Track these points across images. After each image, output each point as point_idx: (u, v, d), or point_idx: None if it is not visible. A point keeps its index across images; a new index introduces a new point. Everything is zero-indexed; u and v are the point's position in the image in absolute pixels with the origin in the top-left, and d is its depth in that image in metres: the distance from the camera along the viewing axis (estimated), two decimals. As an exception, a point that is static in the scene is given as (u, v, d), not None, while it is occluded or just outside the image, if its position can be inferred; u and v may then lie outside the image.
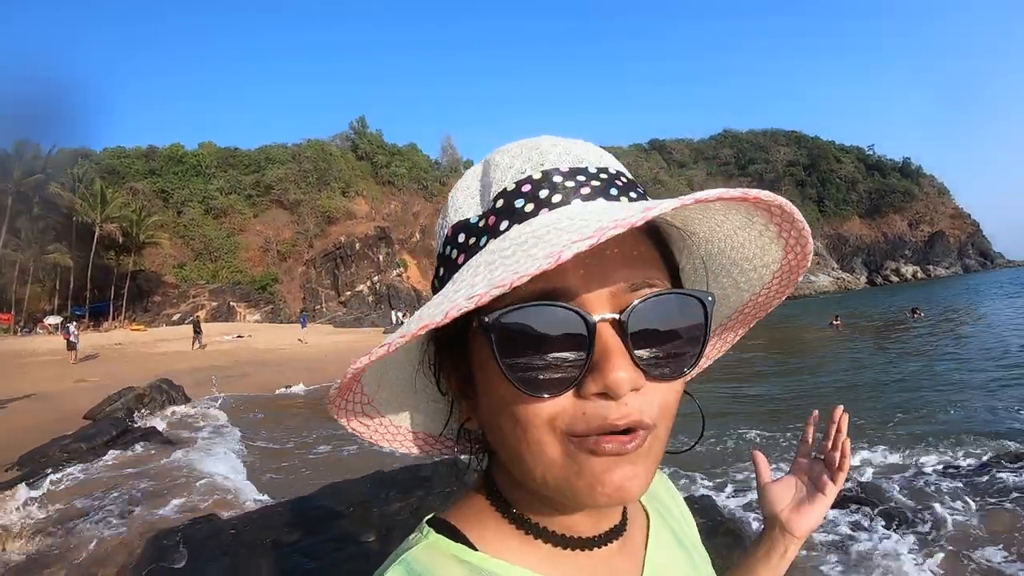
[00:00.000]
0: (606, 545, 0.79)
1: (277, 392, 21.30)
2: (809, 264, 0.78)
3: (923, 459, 9.64)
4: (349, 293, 74.76)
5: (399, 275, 79.90)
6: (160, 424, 13.26)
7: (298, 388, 21.90)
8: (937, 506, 7.00)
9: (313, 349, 37.29)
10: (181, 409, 15.80)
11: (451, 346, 0.75)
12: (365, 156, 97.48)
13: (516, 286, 0.56)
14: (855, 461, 9.11)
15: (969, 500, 7.15)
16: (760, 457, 1.26)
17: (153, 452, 10.02)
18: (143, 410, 14.79)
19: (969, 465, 8.65)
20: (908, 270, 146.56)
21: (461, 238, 0.74)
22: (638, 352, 0.64)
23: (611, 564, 0.79)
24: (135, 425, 12.58)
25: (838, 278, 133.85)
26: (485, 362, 0.68)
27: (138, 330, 50.15)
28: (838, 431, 1.18)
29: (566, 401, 0.64)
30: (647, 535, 0.88)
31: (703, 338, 0.70)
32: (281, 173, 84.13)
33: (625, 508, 0.85)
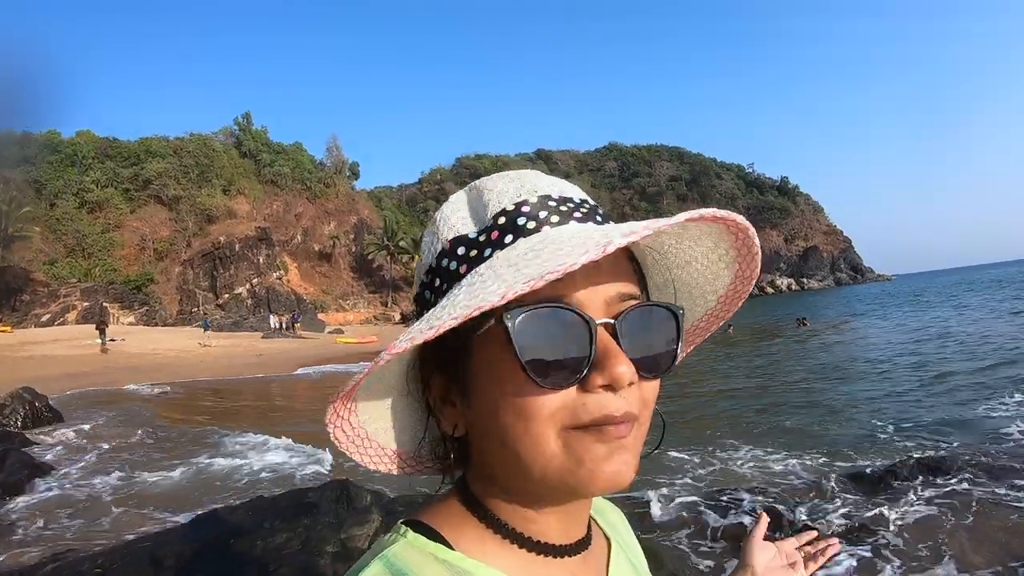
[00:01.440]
0: (574, 555, 0.84)
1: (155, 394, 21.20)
2: (750, 289, 0.91)
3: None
4: (228, 295, 73.82)
5: (279, 278, 79.30)
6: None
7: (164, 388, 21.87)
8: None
9: (198, 353, 37.14)
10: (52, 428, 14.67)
11: (443, 351, 0.79)
12: (249, 153, 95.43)
13: (552, 279, 0.62)
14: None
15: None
16: (764, 516, 1.51)
17: (14, 476, 9.54)
18: (8, 422, 14.03)
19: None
20: (783, 282, 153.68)
21: (461, 251, 0.80)
22: (629, 353, 0.72)
23: (577, 575, 0.85)
24: None
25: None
26: (492, 360, 0.73)
27: (4, 331, 47.85)
28: (823, 556, 1.46)
29: (568, 395, 0.70)
30: (608, 558, 0.96)
31: (677, 344, 0.79)
32: (161, 167, 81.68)
33: (590, 526, 0.92)
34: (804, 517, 7.39)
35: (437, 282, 0.82)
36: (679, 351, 0.80)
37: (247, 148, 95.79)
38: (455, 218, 0.84)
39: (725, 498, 8.08)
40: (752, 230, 0.79)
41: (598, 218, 0.82)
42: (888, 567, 6.20)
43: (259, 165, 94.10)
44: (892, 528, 6.96)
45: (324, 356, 39.99)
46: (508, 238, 0.77)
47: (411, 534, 0.78)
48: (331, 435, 0.83)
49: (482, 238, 0.79)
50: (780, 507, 7.60)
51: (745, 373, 24.06)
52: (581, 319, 0.70)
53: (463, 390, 0.79)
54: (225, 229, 78.35)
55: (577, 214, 0.79)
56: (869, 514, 7.31)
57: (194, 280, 74.57)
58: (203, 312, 68.31)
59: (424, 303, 0.83)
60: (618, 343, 0.71)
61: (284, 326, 57.89)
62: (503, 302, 0.64)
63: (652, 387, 0.77)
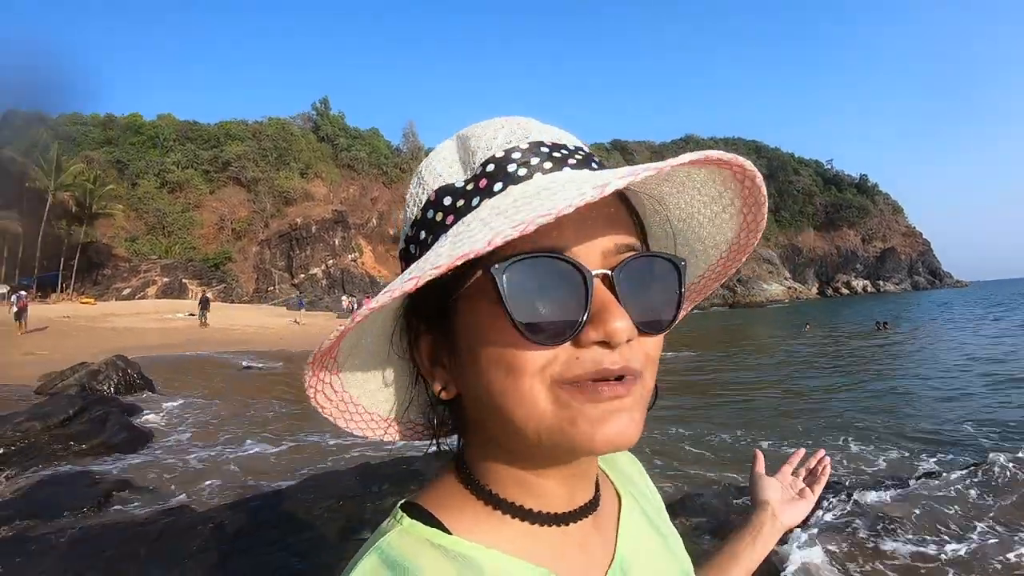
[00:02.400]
0: (579, 520, 0.81)
1: (243, 367, 21.19)
2: (757, 240, 0.85)
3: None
4: (303, 276, 74.69)
5: (354, 260, 79.91)
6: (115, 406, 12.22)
7: (259, 364, 21.59)
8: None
9: (276, 330, 37.20)
10: (144, 395, 15.04)
11: (430, 309, 0.76)
12: (326, 138, 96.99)
13: (542, 223, 0.59)
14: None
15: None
16: (759, 453, 1.55)
17: (117, 437, 9.58)
18: (103, 388, 14.29)
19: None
20: (859, 284, 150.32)
21: (447, 201, 0.76)
22: (627, 306, 0.68)
23: (585, 540, 0.82)
24: (93, 404, 11.51)
25: (790, 287, 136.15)
26: (480, 315, 0.70)
27: (87, 303, 49.30)
28: (822, 465, 1.52)
29: (562, 350, 0.67)
30: (619, 514, 0.93)
31: (679, 297, 0.76)
32: (240, 150, 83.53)
33: (598, 485, 0.88)
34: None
35: (422, 235, 0.78)
36: (681, 305, 0.77)
37: (324, 133, 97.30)
38: (441, 167, 0.80)
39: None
40: (759, 178, 0.76)
41: (593, 165, 0.77)
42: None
43: (336, 149, 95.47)
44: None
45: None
46: (497, 186, 0.73)
47: (407, 520, 0.76)
48: (311, 399, 0.81)
49: (469, 187, 0.75)
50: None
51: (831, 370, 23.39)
52: (576, 270, 0.67)
53: (452, 348, 0.76)
54: (302, 211, 79.27)
55: (572, 160, 0.75)
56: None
57: (270, 260, 75.49)
58: (278, 291, 69.11)
59: (408, 258, 0.80)
60: (615, 296, 0.69)
61: (356, 307, 58.02)
62: (489, 248, 0.60)
63: (655, 342, 0.74)
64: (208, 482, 7.90)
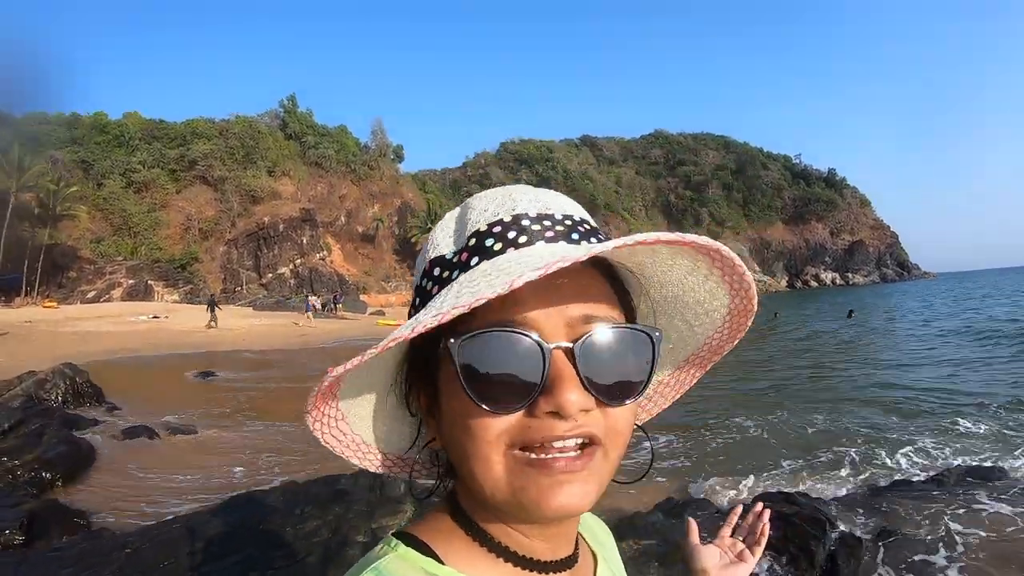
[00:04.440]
0: (561, 572, 0.85)
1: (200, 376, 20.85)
2: (755, 309, 0.86)
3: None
4: (271, 275, 74.03)
5: (323, 258, 79.35)
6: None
7: (224, 374, 21.27)
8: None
9: (242, 334, 37.02)
10: (90, 405, 14.51)
11: (423, 366, 0.82)
12: (294, 135, 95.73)
13: (476, 309, 0.65)
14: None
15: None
16: (692, 522, 1.54)
17: (53, 452, 9.11)
18: (49, 398, 13.66)
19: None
20: (828, 276, 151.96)
21: (436, 272, 0.82)
22: (589, 378, 0.71)
23: None
24: (33, 416, 11.25)
25: (760, 280, 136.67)
26: (449, 381, 0.74)
27: (50, 307, 48.83)
28: (761, 523, 1.51)
29: (516, 419, 0.70)
30: (594, 573, 0.97)
31: (650, 369, 0.77)
32: (207, 148, 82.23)
33: (577, 543, 0.92)
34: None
35: (417, 301, 0.85)
36: (651, 376, 0.79)
37: (292, 130, 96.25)
38: (441, 237, 0.86)
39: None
40: (723, 250, 0.76)
41: (574, 235, 0.80)
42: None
43: (304, 147, 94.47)
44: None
45: (366, 336, 39.51)
46: (474, 260, 0.78)
47: (402, 547, 0.79)
48: (320, 440, 0.86)
49: (455, 259, 0.81)
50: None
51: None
52: (533, 343, 0.70)
53: (438, 404, 0.81)
54: (270, 210, 78.59)
55: (549, 233, 0.79)
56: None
57: (238, 259, 74.82)
58: (246, 291, 68.53)
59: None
60: (575, 369, 0.71)
61: (323, 306, 57.51)
62: (412, 335, 0.67)
63: (621, 413, 0.76)
64: (135, 503, 7.84)
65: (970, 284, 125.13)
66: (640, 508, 6.84)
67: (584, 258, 0.65)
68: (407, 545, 0.79)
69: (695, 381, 1.01)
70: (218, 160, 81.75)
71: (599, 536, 1.09)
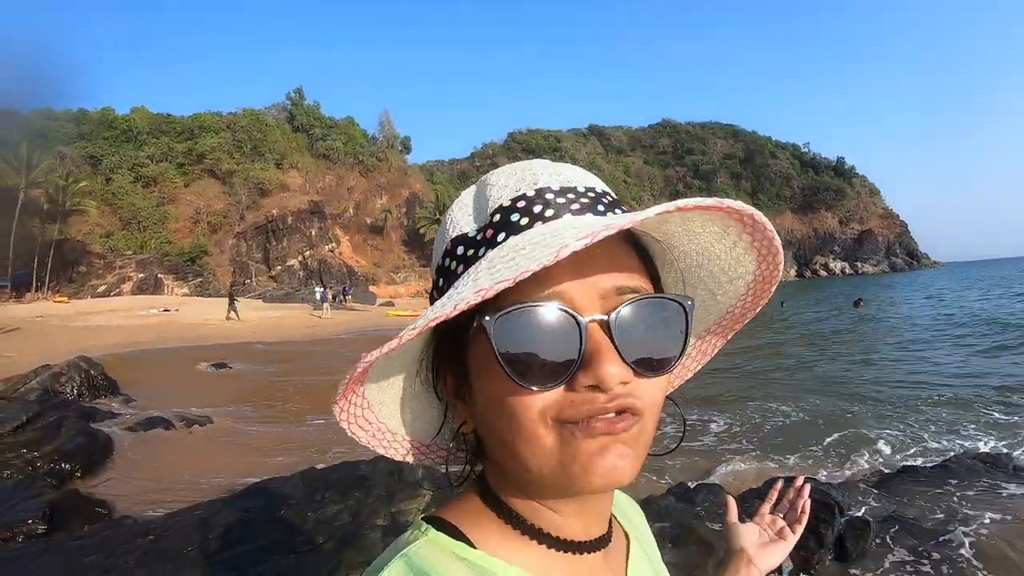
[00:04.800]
0: (595, 552, 0.84)
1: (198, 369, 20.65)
2: (780, 274, 0.85)
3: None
4: (280, 268, 74.34)
5: (331, 250, 79.55)
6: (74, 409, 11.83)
7: (237, 365, 21.13)
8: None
9: (252, 326, 37.14)
10: (106, 397, 14.57)
11: (451, 348, 0.80)
12: (301, 128, 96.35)
13: (517, 283, 0.63)
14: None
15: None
16: (731, 499, 1.52)
17: (71, 443, 9.12)
18: (65, 391, 13.75)
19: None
20: (837, 265, 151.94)
21: (460, 251, 0.80)
22: (625, 350, 0.69)
23: (597, 571, 0.85)
24: (50, 409, 11.16)
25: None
26: (484, 361, 0.73)
27: (61, 302, 48.64)
28: (802, 498, 1.47)
29: (557, 394, 0.69)
30: (627, 554, 0.96)
31: (684, 339, 0.76)
32: (215, 142, 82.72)
33: (610, 523, 0.91)
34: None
35: (440, 281, 0.83)
36: (687, 346, 0.77)
37: (299, 123, 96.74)
38: (460, 215, 0.84)
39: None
40: (757, 214, 0.75)
41: (600, 207, 0.78)
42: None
43: (311, 139, 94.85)
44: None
45: (376, 328, 39.65)
46: (500, 236, 0.76)
47: (432, 532, 0.78)
48: (347, 430, 0.84)
49: (479, 236, 0.79)
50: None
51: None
52: (569, 317, 0.69)
53: (469, 386, 0.79)
54: (278, 202, 78.82)
55: (575, 205, 0.77)
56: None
57: (247, 252, 75.06)
58: (255, 284, 68.73)
59: (433, 301, 0.81)
60: (612, 341, 0.70)
61: (334, 297, 57.61)
62: (455, 313, 0.64)
63: (657, 384, 0.75)
64: (155, 493, 7.83)
65: (979, 273, 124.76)
66: (653, 492, 6.90)
67: (628, 225, 0.64)
68: (438, 529, 0.78)
69: (716, 351, 1.01)
70: (226, 153, 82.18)
71: (631, 517, 1.08)
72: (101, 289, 60.63)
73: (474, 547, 0.77)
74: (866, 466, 9.37)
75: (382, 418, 0.88)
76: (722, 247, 0.83)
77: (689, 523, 5.52)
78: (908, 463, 8.99)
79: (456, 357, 0.80)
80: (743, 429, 11.82)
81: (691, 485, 7.28)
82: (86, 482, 8.22)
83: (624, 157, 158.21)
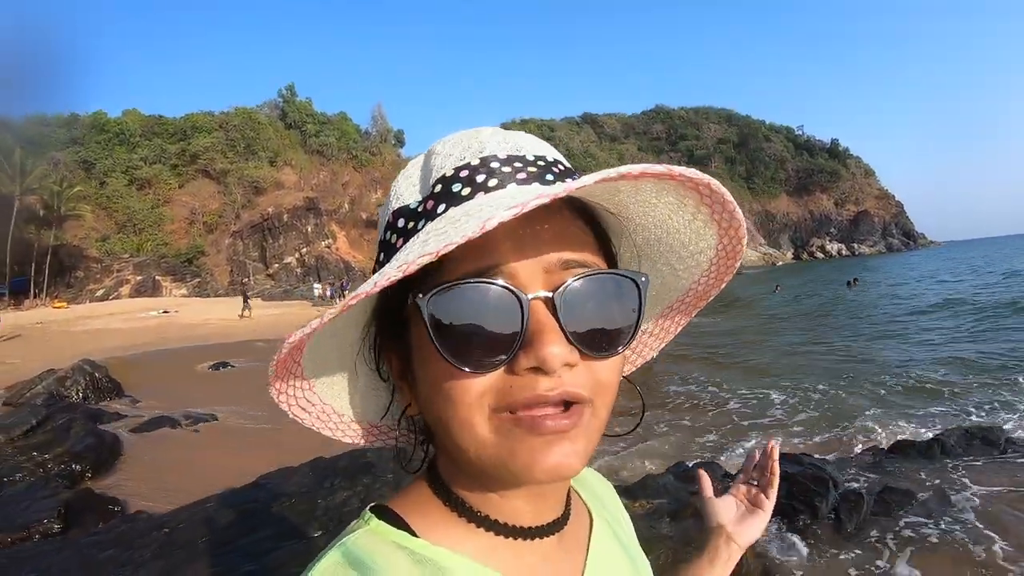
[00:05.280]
0: (547, 536, 0.80)
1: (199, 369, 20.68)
2: (744, 249, 0.81)
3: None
4: (277, 265, 74.38)
5: (328, 246, 79.47)
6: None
7: (239, 363, 21.11)
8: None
9: (252, 324, 37.18)
10: (111, 398, 14.68)
11: (392, 327, 0.77)
12: (294, 125, 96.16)
13: (445, 261, 0.61)
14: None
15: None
16: (703, 474, 1.44)
17: (81, 444, 9.29)
18: (71, 394, 13.97)
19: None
20: (833, 247, 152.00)
21: (400, 223, 0.76)
22: (571, 329, 0.66)
23: (551, 556, 0.81)
24: (58, 412, 11.32)
25: (765, 253, 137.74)
26: (421, 341, 0.69)
27: (60, 307, 48.97)
28: (771, 460, 1.36)
29: (496, 378, 0.65)
30: (589, 534, 0.91)
31: (637, 317, 0.72)
32: (208, 142, 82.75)
33: (568, 502, 0.87)
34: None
35: (382, 257, 0.78)
36: (638, 325, 0.73)
37: (292, 120, 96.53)
38: (404, 187, 0.80)
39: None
40: (714, 183, 0.69)
41: (549, 176, 0.74)
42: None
43: (305, 136, 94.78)
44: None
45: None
46: (440, 207, 0.72)
47: (374, 521, 0.75)
48: (287, 412, 0.82)
49: (419, 208, 0.75)
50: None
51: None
52: (510, 293, 0.65)
53: (411, 368, 0.76)
54: (273, 200, 78.82)
55: (522, 175, 0.72)
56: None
57: (244, 251, 75.05)
58: (253, 283, 68.70)
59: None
60: (557, 319, 0.66)
61: (331, 294, 57.66)
62: (375, 290, 0.61)
63: (608, 366, 0.71)
64: (165, 489, 7.92)
65: (975, 252, 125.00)
66: (653, 469, 7.05)
67: (563, 194, 0.59)
68: (380, 518, 0.75)
69: (680, 329, 0.98)
70: (219, 153, 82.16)
71: (597, 490, 1.05)
72: (99, 293, 60.72)
73: (416, 536, 0.74)
74: (860, 441, 9.54)
75: (326, 399, 0.85)
76: (680, 220, 0.77)
77: (687, 499, 5.63)
78: (901, 438, 9.15)
79: (398, 336, 0.77)
80: (739, 410, 12.22)
81: (688, 464, 7.45)
82: (97, 481, 8.31)
83: (618, 144, 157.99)
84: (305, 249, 76.39)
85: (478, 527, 0.77)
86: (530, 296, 0.65)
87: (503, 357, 0.65)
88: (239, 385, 16.99)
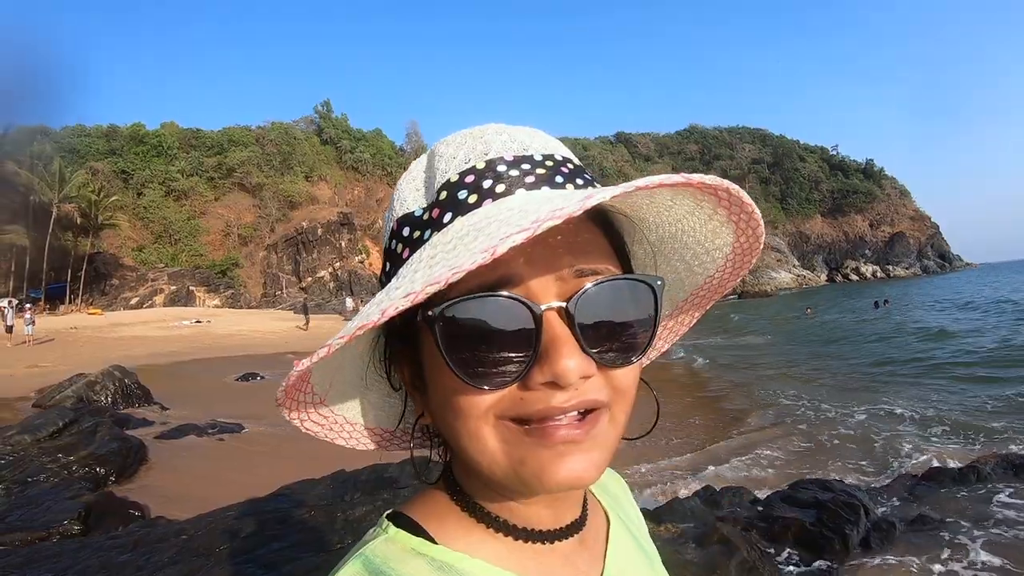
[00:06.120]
0: (565, 539, 0.79)
1: (228, 381, 20.65)
2: (762, 246, 0.78)
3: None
4: (310, 279, 74.96)
5: (361, 261, 79.98)
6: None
7: (268, 375, 20.99)
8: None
9: (281, 334, 37.35)
10: (140, 405, 14.70)
11: (402, 338, 0.75)
12: (330, 140, 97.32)
13: (454, 280, 0.56)
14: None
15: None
16: None
17: (106, 448, 9.16)
18: (99, 399, 14.06)
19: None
20: (868, 269, 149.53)
21: (406, 232, 0.73)
22: (587, 339, 0.64)
23: (572, 557, 0.80)
24: (85, 415, 11.16)
25: (799, 275, 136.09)
26: (432, 355, 0.68)
27: (95, 314, 49.41)
28: None
29: (509, 391, 0.64)
30: (607, 535, 0.90)
31: (654, 323, 0.71)
32: (244, 156, 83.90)
33: (586, 504, 0.86)
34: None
35: (387, 265, 0.76)
36: (655, 330, 0.72)
37: (328, 135, 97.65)
38: (408, 191, 0.77)
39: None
40: (733, 188, 0.68)
41: (558, 178, 0.71)
42: None
43: (340, 152, 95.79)
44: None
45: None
46: (447, 216, 0.69)
47: (392, 529, 0.74)
48: (300, 428, 0.80)
49: (425, 217, 0.72)
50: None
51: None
52: (523, 306, 0.63)
53: (423, 379, 0.74)
54: (308, 214, 79.60)
55: (530, 178, 0.70)
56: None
57: (278, 264, 75.79)
58: (286, 295, 69.18)
59: (382, 287, 0.75)
60: (572, 330, 0.64)
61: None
62: (382, 319, 0.57)
63: (625, 372, 0.69)
64: (187, 496, 7.89)
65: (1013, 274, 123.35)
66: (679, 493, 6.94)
67: (577, 213, 0.56)
68: (398, 526, 0.75)
69: (693, 323, 0.96)
70: (255, 167, 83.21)
71: (611, 490, 1.02)
72: (134, 301, 61.52)
73: (435, 542, 0.73)
74: (895, 468, 9.33)
75: (338, 411, 0.83)
76: (696, 220, 0.76)
77: (713, 523, 5.52)
78: (935, 465, 8.94)
79: (409, 347, 0.75)
80: (772, 431, 11.88)
81: (716, 488, 7.31)
82: (120, 486, 8.27)
83: (651, 164, 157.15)
84: (338, 264, 76.99)
85: (496, 532, 0.75)
86: (543, 307, 0.63)
87: (517, 373, 0.63)
88: (267, 396, 16.95)
